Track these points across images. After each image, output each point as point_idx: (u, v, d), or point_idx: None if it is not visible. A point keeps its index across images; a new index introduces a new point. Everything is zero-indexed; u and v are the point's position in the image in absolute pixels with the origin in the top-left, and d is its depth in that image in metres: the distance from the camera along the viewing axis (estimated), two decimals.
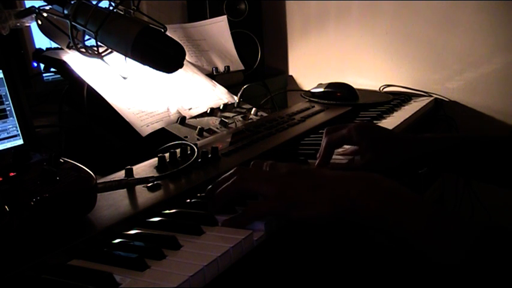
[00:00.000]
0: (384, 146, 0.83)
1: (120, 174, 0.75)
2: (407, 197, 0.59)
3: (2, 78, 0.76)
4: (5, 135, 0.74)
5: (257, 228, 0.60)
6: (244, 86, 1.27)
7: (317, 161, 0.85)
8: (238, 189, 0.64)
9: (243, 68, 1.52)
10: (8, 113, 0.76)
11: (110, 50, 1.01)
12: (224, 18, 1.51)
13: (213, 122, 1.08)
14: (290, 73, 1.85)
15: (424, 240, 0.56)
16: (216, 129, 1.04)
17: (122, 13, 0.97)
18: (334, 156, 0.89)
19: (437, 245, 0.55)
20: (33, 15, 0.99)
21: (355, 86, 1.41)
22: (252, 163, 0.70)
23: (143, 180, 0.72)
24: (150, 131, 0.98)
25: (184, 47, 0.94)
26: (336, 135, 0.85)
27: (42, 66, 1.13)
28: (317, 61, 1.77)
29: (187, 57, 1.11)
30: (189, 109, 1.11)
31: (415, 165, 0.87)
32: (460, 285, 0.53)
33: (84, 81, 0.99)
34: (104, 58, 1.00)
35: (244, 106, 1.22)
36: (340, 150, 0.91)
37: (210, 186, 0.68)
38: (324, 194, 0.60)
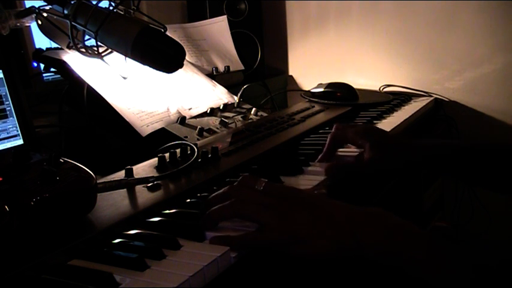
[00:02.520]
0: (386, 148, 0.83)
1: (120, 174, 0.75)
2: (418, 233, 0.58)
3: (2, 78, 0.76)
4: (5, 135, 0.74)
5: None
6: (244, 86, 1.27)
7: (321, 155, 0.87)
8: (235, 214, 0.60)
9: (243, 68, 1.51)
10: (8, 113, 0.76)
11: (110, 50, 1.01)
12: (224, 18, 1.51)
13: (213, 122, 1.08)
14: (290, 73, 1.85)
15: (439, 278, 0.55)
16: (216, 129, 1.04)
17: (122, 13, 0.97)
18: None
19: (452, 282, 0.54)
20: (33, 15, 0.99)
21: (355, 86, 1.41)
22: (241, 179, 0.65)
23: (143, 180, 0.72)
24: (150, 131, 0.98)
25: (184, 47, 0.94)
26: (341, 136, 0.87)
27: (42, 66, 1.13)
28: (317, 61, 1.77)
29: (187, 57, 1.11)
30: (189, 109, 1.11)
31: (416, 168, 0.87)
32: None
33: (84, 81, 0.99)
34: (104, 58, 1.00)
35: (244, 106, 1.22)
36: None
37: (203, 203, 0.64)
38: (327, 232, 0.57)
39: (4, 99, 0.76)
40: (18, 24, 0.98)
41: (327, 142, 0.88)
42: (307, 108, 1.28)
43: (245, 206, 0.60)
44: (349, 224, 0.58)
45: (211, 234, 0.58)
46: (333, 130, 0.89)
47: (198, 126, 1.01)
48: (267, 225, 0.58)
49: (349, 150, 0.92)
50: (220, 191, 0.64)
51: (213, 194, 0.64)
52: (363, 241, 0.57)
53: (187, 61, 1.27)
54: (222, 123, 1.07)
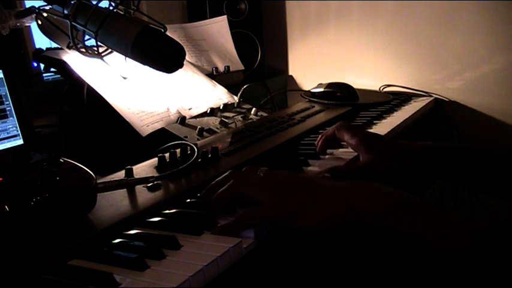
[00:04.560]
0: (382, 153, 0.83)
1: (120, 174, 0.75)
2: (413, 202, 0.58)
3: (2, 78, 0.76)
4: (5, 135, 0.74)
5: (248, 235, 0.59)
6: (244, 86, 1.27)
7: (318, 147, 0.91)
8: (235, 193, 0.63)
9: (243, 68, 1.52)
10: (8, 113, 0.76)
11: (110, 50, 1.01)
12: (224, 18, 1.51)
13: (213, 122, 1.08)
14: (290, 73, 1.85)
15: (439, 244, 0.55)
16: (216, 129, 1.04)
17: (122, 13, 0.97)
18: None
19: (452, 246, 0.54)
20: (33, 15, 0.99)
21: (355, 86, 1.41)
22: (244, 168, 0.69)
23: (143, 180, 0.72)
24: (150, 131, 0.98)
25: (184, 47, 0.94)
26: (341, 137, 0.88)
27: (42, 66, 1.13)
28: (317, 61, 1.77)
29: (187, 57, 1.11)
30: (189, 109, 1.11)
31: (417, 172, 0.87)
32: (479, 284, 0.52)
33: (84, 81, 0.99)
34: (104, 58, 1.00)
35: (244, 106, 1.22)
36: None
37: (204, 191, 0.67)
38: (323, 204, 0.59)
39: (4, 99, 0.76)
40: (18, 24, 0.98)
41: (324, 138, 0.90)
42: (307, 108, 1.28)
43: (244, 185, 0.63)
44: (346, 194, 0.60)
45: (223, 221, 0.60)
46: (336, 127, 0.89)
47: (198, 126, 1.01)
48: (266, 202, 0.60)
49: (348, 151, 0.92)
50: (222, 176, 0.66)
51: (215, 180, 0.67)
52: (359, 210, 0.58)
53: (187, 61, 1.27)
54: (222, 123, 1.07)
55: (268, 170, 0.66)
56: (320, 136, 0.92)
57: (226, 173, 0.67)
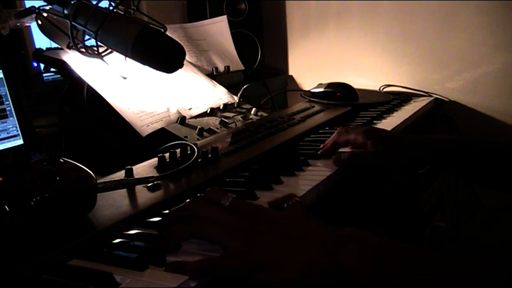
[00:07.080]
0: (389, 144, 0.84)
1: (120, 174, 0.75)
2: (407, 250, 0.51)
3: (2, 78, 0.76)
4: (5, 135, 0.74)
5: None
6: (244, 86, 1.27)
7: (320, 151, 0.90)
8: (194, 235, 0.54)
9: (243, 68, 1.52)
10: (8, 113, 0.76)
11: (110, 50, 1.01)
12: (224, 18, 1.51)
13: (213, 122, 1.08)
14: (290, 73, 1.85)
15: None
16: (216, 129, 1.04)
17: (122, 13, 0.97)
18: None
19: None
20: (33, 15, 0.99)
21: (355, 86, 1.41)
22: (206, 192, 0.59)
23: (143, 180, 0.72)
24: (150, 131, 0.98)
25: (184, 47, 0.94)
26: (344, 139, 0.88)
27: (42, 66, 1.13)
28: (317, 61, 1.77)
29: (187, 57, 1.11)
30: (189, 109, 1.11)
31: (416, 164, 0.87)
32: None
33: (84, 81, 0.99)
34: (104, 58, 1.00)
35: (244, 106, 1.22)
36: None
37: (163, 217, 0.60)
38: (297, 256, 0.50)
39: (4, 99, 0.76)
40: (18, 24, 0.98)
41: (329, 146, 0.89)
42: (307, 108, 1.28)
43: (205, 225, 0.54)
44: (326, 246, 0.51)
45: (170, 259, 0.52)
46: (336, 134, 0.89)
47: (198, 126, 1.01)
48: (229, 249, 0.52)
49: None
50: (181, 205, 0.57)
51: (173, 209, 0.58)
52: (345, 265, 0.49)
53: (187, 61, 1.27)
54: (222, 123, 1.07)
55: (234, 201, 0.56)
56: (323, 149, 0.90)
57: (186, 203, 0.57)
